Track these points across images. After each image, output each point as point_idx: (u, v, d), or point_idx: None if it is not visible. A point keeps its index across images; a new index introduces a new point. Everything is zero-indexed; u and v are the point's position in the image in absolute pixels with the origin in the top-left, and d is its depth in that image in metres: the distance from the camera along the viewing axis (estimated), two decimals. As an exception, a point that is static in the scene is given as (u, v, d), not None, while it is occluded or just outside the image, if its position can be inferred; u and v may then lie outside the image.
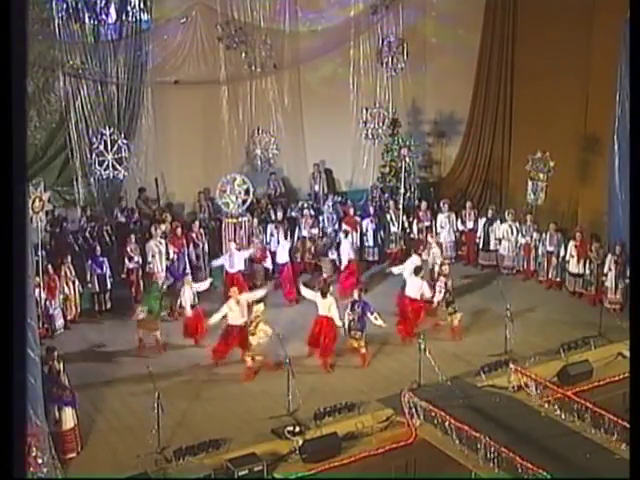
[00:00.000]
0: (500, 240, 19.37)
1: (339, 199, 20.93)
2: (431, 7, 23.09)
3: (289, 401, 13.28)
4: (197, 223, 18.76)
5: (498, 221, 19.55)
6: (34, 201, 14.92)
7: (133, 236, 17.83)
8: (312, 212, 19.87)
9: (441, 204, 20.29)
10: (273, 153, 20.42)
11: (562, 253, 18.29)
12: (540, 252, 18.70)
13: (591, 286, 17.59)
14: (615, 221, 17.50)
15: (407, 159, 20.35)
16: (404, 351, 15.28)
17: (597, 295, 17.35)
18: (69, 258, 16.85)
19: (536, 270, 18.96)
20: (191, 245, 18.34)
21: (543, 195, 18.92)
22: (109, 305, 17.39)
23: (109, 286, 17.31)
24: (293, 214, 20.17)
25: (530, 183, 19.03)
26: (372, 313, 15.04)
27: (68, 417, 12.31)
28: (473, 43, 22.90)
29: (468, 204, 20.36)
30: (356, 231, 19.52)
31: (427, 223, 20.09)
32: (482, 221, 19.78)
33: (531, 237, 18.91)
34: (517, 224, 19.15)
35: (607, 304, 16.72)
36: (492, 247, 19.64)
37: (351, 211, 20.00)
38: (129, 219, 19.20)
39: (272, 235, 18.84)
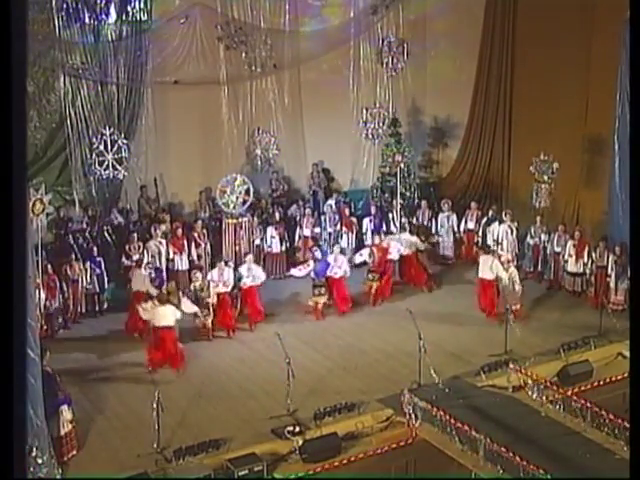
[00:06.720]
0: (497, 241, 19.35)
1: (341, 199, 20.95)
2: (431, 7, 23.08)
3: (289, 401, 13.29)
4: (199, 223, 18.72)
5: (496, 222, 19.51)
6: (35, 204, 14.58)
7: (135, 235, 17.82)
8: (312, 212, 19.86)
9: (442, 204, 20.28)
10: (273, 153, 20.40)
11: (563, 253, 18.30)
12: (549, 252, 18.65)
13: (591, 287, 17.51)
14: (615, 221, 17.50)
15: (402, 165, 20.28)
16: (404, 351, 15.25)
17: (597, 297, 17.20)
18: (69, 258, 16.86)
19: (541, 270, 18.94)
20: (193, 245, 18.21)
21: (547, 196, 18.84)
22: (106, 305, 17.39)
23: (106, 286, 17.31)
24: (295, 214, 20.18)
25: (535, 185, 18.96)
26: None
27: (66, 417, 12.30)
28: (473, 43, 22.90)
29: (473, 204, 20.30)
30: (352, 232, 19.55)
31: (427, 223, 20.12)
32: (482, 221, 19.75)
33: (539, 238, 18.89)
34: (515, 224, 19.08)
35: (611, 305, 16.67)
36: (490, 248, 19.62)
37: (347, 211, 19.99)
38: (128, 219, 19.20)
39: (272, 237, 18.87)
